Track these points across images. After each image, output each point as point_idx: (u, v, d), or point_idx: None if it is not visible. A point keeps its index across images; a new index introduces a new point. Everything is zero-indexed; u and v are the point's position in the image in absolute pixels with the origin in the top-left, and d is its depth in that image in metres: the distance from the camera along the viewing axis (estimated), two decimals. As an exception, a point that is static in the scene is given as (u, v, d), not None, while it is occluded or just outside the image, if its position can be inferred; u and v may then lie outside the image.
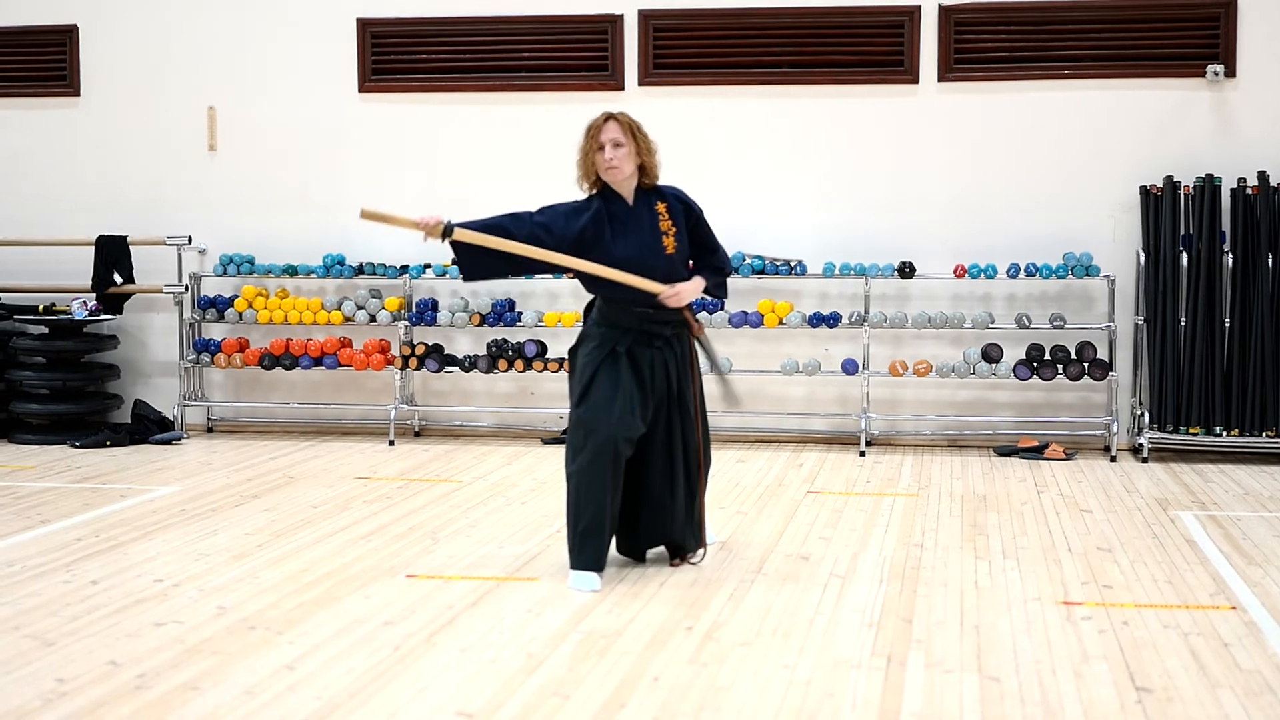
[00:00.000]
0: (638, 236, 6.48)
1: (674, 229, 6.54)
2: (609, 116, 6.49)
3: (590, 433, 6.35)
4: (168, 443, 10.77)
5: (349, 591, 6.26)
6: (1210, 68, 10.34)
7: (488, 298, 11.10)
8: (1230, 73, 10.39)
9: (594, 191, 6.59)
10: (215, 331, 11.53)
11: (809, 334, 10.81)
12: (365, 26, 11.32)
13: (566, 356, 6.62)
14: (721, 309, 10.68)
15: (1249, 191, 10.16)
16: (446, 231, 6.43)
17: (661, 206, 6.55)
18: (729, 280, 6.93)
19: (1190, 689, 4.95)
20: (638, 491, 6.57)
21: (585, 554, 6.34)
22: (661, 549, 6.77)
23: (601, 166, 6.46)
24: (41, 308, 11.30)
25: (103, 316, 11.20)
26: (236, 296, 11.30)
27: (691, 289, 6.55)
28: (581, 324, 6.78)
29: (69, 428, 10.91)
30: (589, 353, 6.51)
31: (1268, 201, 10.11)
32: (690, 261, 6.72)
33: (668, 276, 6.48)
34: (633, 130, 6.47)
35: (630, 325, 6.50)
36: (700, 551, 6.76)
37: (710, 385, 7.11)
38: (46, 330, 11.13)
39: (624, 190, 6.53)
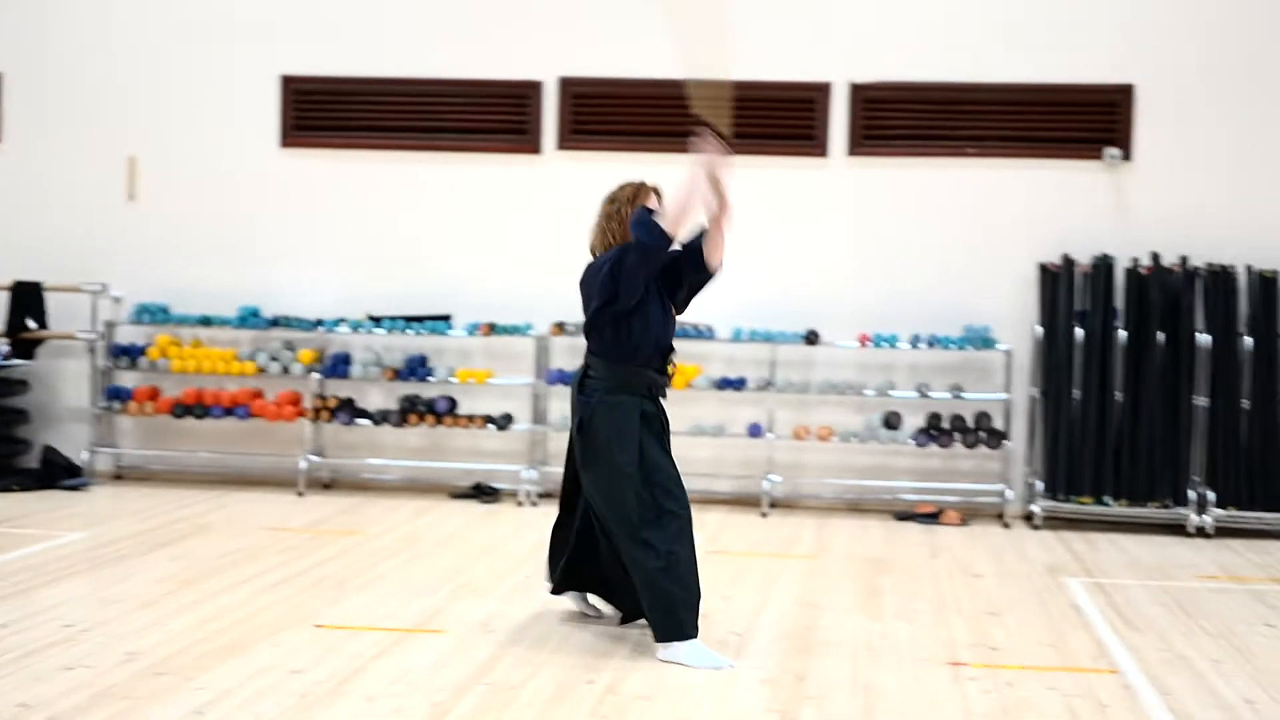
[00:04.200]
0: (659, 303, 6.53)
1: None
2: (651, 186, 6.60)
3: (679, 502, 6.35)
4: (75, 488, 10.80)
5: (257, 640, 6.37)
6: (1108, 151, 10.74)
7: (401, 353, 11.25)
8: (1127, 156, 10.79)
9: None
10: (128, 379, 11.58)
11: (716, 397, 11.04)
12: (289, 83, 11.48)
13: (578, 432, 6.44)
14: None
15: (1142, 271, 10.55)
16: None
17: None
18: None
19: (1066, 748, 5.18)
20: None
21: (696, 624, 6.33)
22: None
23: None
24: (-47, 351, 11.31)
25: (15, 361, 11.22)
26: (150, 345, 11.36)
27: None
28: (580, 393, 6.52)
29: (-23, 471, 10.91)
30: (622, 419, 6.38)
31: (1160, 281, 10.49)
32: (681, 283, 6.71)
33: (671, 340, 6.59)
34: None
35: (641, 388, 6.47)
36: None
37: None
38: (-43, 373, 11.14)
39: None
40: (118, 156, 11.63)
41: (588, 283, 6.48)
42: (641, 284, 6.35)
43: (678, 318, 6.75)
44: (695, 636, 6.25)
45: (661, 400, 6.60)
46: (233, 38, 11.54)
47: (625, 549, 6.33)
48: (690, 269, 6.64)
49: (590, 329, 6.48)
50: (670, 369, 6.61)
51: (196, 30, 11.58)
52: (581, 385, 6.50)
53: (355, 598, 7.30)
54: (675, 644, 6.20)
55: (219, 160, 11.58)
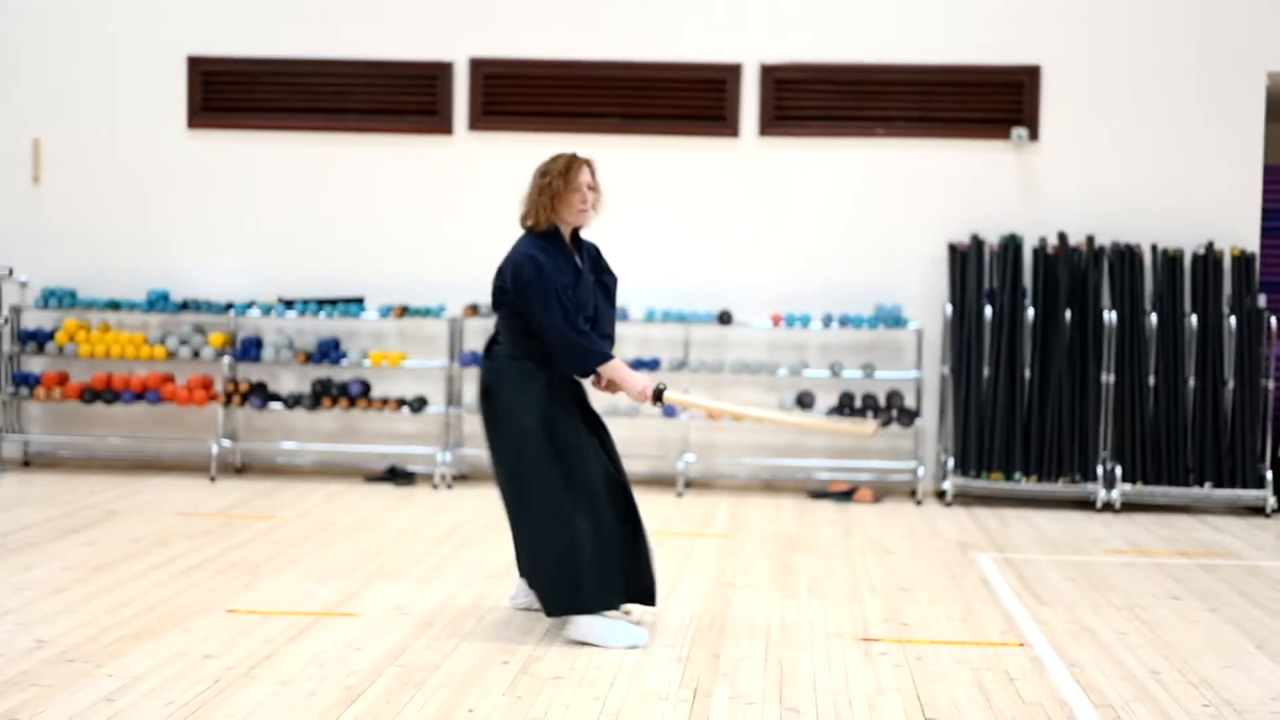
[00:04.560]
0: (585, 283, 6.32)
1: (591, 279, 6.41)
2: (583, 160, 6.33)
3: (586, 472, 6.19)
4: (-17, 476, 10.67)
5: (169, 626, 6.32)
6: (1015, 131, 10.86)
7: (313, 336, 11.19)
8: (1034, 136, 10.92)
9: (535, 230, 6.29)
10: (35, 365, 11.43)
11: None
12: (195, 64, 11.36)
13: (481, 398, 6.29)
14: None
15: (1050, 250, 10.69)
16: (657, 395, 6.26)
17: (582, 256, 6.41)
18: None
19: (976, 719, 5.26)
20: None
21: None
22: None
23: (574, 209, 6.26)
24: None
25: (-82, 347, 11.05)
26: (58, 330, 11.22)
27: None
28: (487, 359, 6.36)
29: (-120, 460, 10.74)
30: (526, 382, 6.18)
31: (1067, 260, 10.63)
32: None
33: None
34: (597, 175, 6.40)
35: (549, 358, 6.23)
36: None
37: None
38: None
39: (565, 233, 6.36)
40: (20, 138, 11.47)
41: (509, 268, 6.25)
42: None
43: None
44: (597, 612, 6.17)
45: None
46: (139, 17, 11.40)
47: (521, 518, 6.23)
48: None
49: (498, 301, 6.33)
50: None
51: (102, 9, 11.42)
52: (489, 352, 6.37)
53: (268, 582, 7.26)
54: (578, 619, 6.16)
55: (126, 142, 11.45)
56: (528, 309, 6.15)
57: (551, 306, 6.11)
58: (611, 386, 6.30)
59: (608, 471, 6.32)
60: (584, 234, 6.50)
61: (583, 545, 6.13)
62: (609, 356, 6.22)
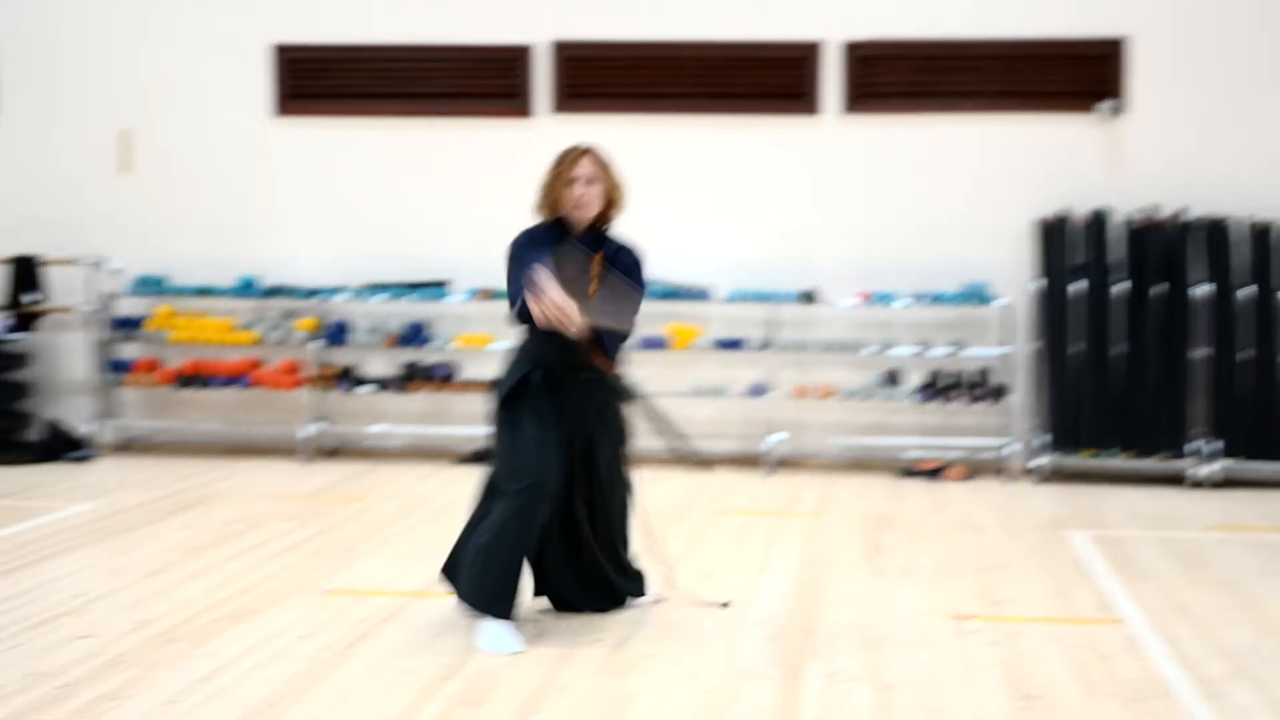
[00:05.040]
0: (572, 270, 5.90)
1: (600, 279, 5.98)
2: (584, 151, 6.06)
3: (531, 477, 5.84)
4: (80, 460, 10.83)
5: (265, 606, 6.41)
6: (1101, 104, 10.73)
7: (399, 320, 11.27)
8: (1121, 109, 10.78)
9: (550, 221, 6.11)
10: (128, 351, 11.59)
11: (715, 358, 11.06)
12: (281, 52, 11.46)
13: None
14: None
15: (1139, 224, 10.55)
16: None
17: (599, 256, 6.03)
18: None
19: (1072, 697, 5.22)
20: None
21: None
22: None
23: (569, 203, 6.02)
24: (-47, 326, 11.32)
25: (15, 335, 11.22)
26: (149, 317, 11.37)
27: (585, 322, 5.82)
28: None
29: (-20, 446, 10.94)
30: (510, 370, 6.05)
31: (1157, 233, 10.50)
32: None
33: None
34: (605, 167, 6.08)
35: (539, 356, 6.00)
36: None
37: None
38: (-42, 349, 11.16)
39: (583, 223, 6.09)
40: (110, 129, 11.62)
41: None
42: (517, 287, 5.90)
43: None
44: (499, 618, 5.79)
45: (572, 382, 6.03)
46: (225, 7, 11.51)
47: (479, 500, 6.13)
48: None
49: None
50: (587, 352, 5.94)
51: (189, 1, 11.55)
52: None
53: (361, 563, 7.34)
54: (480, 619, 5.84)
55: (214, 131, 11.57)
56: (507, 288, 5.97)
57: (515, 279, 5.91)
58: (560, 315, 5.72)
59: (558, 473, 5.94)
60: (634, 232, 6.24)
61: (505, 546, 5.84)
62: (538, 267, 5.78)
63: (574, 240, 6.06)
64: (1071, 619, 6.36)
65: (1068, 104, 10.85)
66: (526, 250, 5.99)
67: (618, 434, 6.31)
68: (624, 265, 6.12)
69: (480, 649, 5.74)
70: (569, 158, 6.06)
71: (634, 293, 6.09)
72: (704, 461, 5.88)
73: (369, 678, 5.36)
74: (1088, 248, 10.59)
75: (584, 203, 6.03)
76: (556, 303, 5.69)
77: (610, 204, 6.12)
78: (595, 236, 6.13)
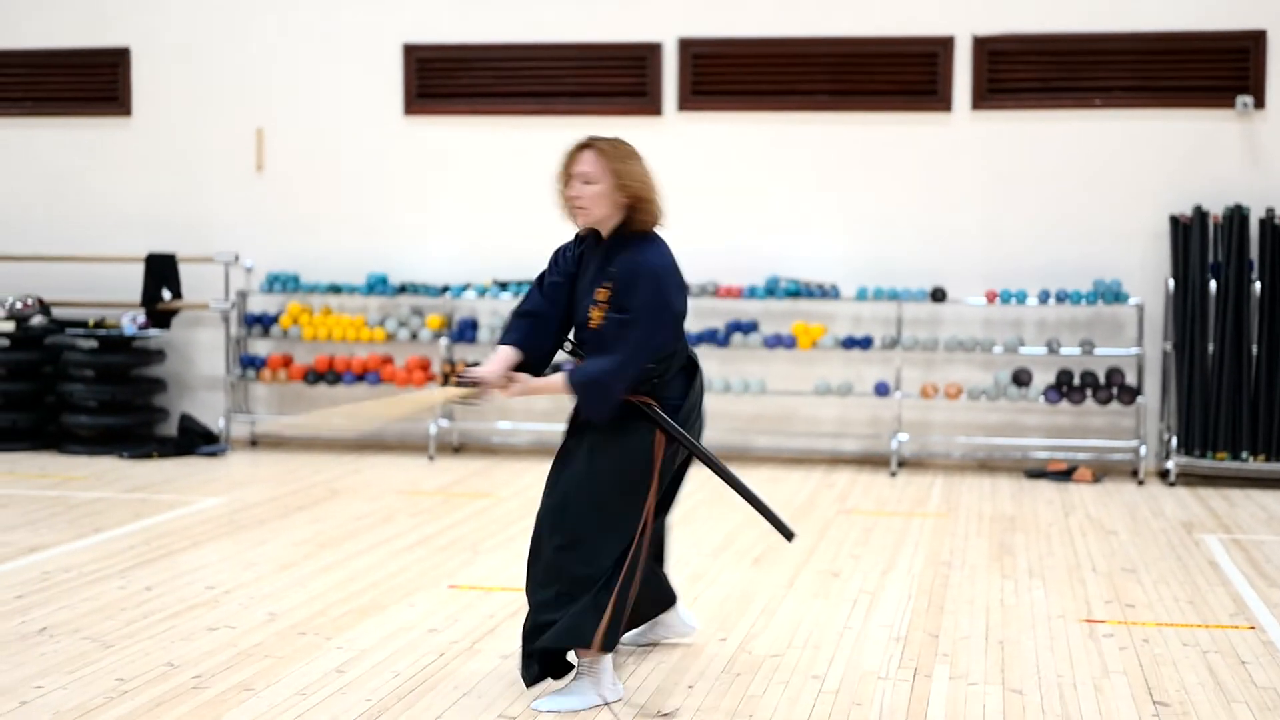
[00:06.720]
0: (580, 287, 5.34)
1: (609, 302, 5.16)
2: (585, 145, 5.20)
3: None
4: (213, 455, 11.03)
5: (394, 600, 6.48)
6: (1239, 99, 10.50)
7: (527, 317, 11.33)
8: (1260, 104, 10.55)
9: (583, 232, 5.40)
10: (260, 348, 11.79)
11: (842, 356, 11.00)
12: (411, 51, 11.58)
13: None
14: (737, 338, 10.87)
15: (1277, 221, 10.31)
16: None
17: (612, 271, 5.16)
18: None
19: (1206, 704, 5.12)
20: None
21: None
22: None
23: (565, 201, 5.28)
24: (92, 322, 11.54)
25: (151, 331, 11.46)
26: (281, 313, 11.56)
27: (526, 388, 5.42)
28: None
29: (117, 439, 11.17)
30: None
31: (1296, 231, 10.26)
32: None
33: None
34: (612, 164, 5.17)
35: None
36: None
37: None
38: (96, 344, 11.39)
39: (603, 230, 5.28)
40: (244, 128, 11.82)
41: None
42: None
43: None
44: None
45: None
46: (356, 7, 11.66)
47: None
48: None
49: None
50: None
51: (319, 1, 11.72)
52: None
53: (488, 559, 7.40)
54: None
55: (345, 130, 11.72)
56: None
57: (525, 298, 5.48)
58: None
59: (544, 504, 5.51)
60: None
61: None
62: (502, 345, 5.47)
63: (590, 247, 5.34)
64: (1205, 624, 6.24)
65: (1204, 99, 10.63)
66: (549, 268, 5.49)
67: (612, 461, 5.41)
68: (620, 281, 5.14)
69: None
70: (567, 152, 5.23)
71: (624, 328, 5.10)
72: (784, 531, 5.30)
73: (496, 673, 5.41)
74: (1225, 246, 10.37)
75: (578, 205, 5.18)
76: (481, 378, 5.35)
77: (631, 208, 5.21)
78: (617, 241, 5.24)
